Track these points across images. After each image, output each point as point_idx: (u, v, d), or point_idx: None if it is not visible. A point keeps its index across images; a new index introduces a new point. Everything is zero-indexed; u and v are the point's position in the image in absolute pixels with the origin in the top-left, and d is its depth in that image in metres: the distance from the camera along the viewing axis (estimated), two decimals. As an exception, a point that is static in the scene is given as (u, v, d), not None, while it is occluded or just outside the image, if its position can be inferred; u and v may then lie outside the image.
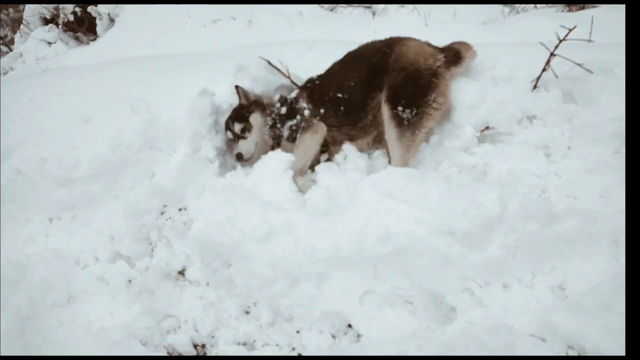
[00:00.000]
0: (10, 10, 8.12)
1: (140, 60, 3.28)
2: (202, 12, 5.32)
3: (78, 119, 2.57)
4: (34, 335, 2.05)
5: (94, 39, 6.28)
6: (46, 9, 6.80)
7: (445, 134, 2.18)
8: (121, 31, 5.51)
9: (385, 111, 2.09)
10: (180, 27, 5.21)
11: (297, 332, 1.91)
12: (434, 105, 2.06)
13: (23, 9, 7.19)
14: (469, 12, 4.66)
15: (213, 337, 2.00)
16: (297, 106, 2.31)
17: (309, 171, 2.27)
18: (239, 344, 1.95)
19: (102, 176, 2.36)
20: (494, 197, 1.71)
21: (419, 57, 2.09)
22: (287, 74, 2.53)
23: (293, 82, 2.52)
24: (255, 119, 2.32)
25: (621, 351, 1.41)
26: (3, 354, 1.93)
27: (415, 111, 2.04)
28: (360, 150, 2.27)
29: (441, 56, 2.11)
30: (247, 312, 2.00)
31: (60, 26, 6.61)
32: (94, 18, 6.31)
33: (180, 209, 2.27)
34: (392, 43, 2.19)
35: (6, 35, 8.01)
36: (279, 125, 2.32)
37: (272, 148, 2.31)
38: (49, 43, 6.38)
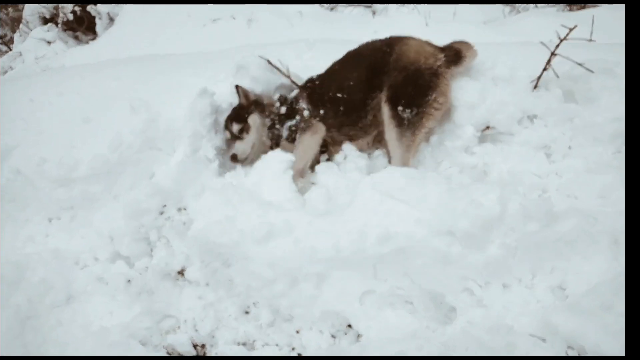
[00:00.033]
0: (10, 9, 8.12)
1: (140, 59, 3.27)
2: (201, 11, 5.31)
3: (78, 119, 2.57)
4: (34, 335, 2.04)
5: (94, 39, 6.27)
6: (45, 8, 6.79)
7: (446, 134, 2.18)
8: (121, 31, 5.50)
9: (386, 111, 2.09)
10: (180, 27, 5.20)
11: (297, 332, 1.90)
12: (435, 105, 2.05)
13: (22, 8, 7.18)
14: (470, 12, 4.65)
15: (213, 337, 1.99)
16: (296, 106, 2.30)
17: (309, 171, 2.27)
18: (238, 344, 1.95)
19: (101, 176, 2.36)
20: (494, 197, 1.71)
21: (420, 57, 2.09)
22: (287, 74, 2.53)
23: (293, 82, 2.52)
24: (254, 120, 2.31)
25: (621, 351, 1.41)
26: (3, 354, 1.93)
27: (415, 111, 2.04)
28: (360, 150, 2.27)
29: (442, 56, 2.10)
30: (246, 312, 2.00)
31: (59, 25, 6.60)
32: (94, 17, 6.30)
33: (179, 209, 2.27)
34: (392, 42, 2.18)
35: (5, 35, 8.01)
36: (277, 126, 2.32)
37: (271, 148, 2.31)
38: (49, 42, 6.38)
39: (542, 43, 2.10)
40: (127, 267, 2.20)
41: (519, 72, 2.16)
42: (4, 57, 6.55)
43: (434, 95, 2.04)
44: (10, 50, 7.01)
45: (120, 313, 2.08)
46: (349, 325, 1.86)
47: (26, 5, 7.00)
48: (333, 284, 1.85)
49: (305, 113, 2.26)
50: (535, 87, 2.13)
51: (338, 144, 2.28)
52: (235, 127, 2.31)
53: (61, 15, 6.56)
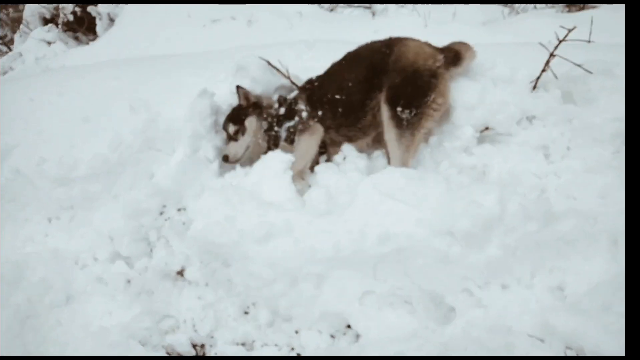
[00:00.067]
0: (10, 10, 8.12)
1: (140, 60, 3.28)
2: (201, 12, 5.32)
3: (78, 119, 2.58)
4: (33, 335, 2.04)
5: (94, 39, 6.27)
6: (46, 9, 6.80)
7: (445, 135, 2.18)
8: (121, 31, 5.51)
9: (385, 112, 2.10)
10: (180, 28, 5.20)
11: (296, 332, 1.91)
12: (434, 105, 2.06)
13: (23, 9, 7.19)
14: (469, 13, 4.65)
15: (212, 337, 1.99)
16: (295, 107, 2.31)
17: (309, 172, 2.27)
18: (238, 344, 1.95)
19: (101, 176, 2.36)
20: (494, 197, 1.71)
21: (419, 58, 2.10)
22: (286, 75, 2.54)
23: (293, 83, 2.52)
24: (251, 122, 2.32)
25: (621, 351, 1.41)
26: (3, 353, 1.93)
27: (414, 112, 2.04)
28: (360, 150, 2.28)
29: (441, 57, 2.11)
30: (246, 313, 2.00)
31: (59, 26, 6.60)
32: (94, 18, 6.31)
33: (179, 209, 2.27)
34: (391, 43, 2.19)
35: (6, 35, 8.01)
36: (276, 128, 2.32)
37: (268, 150, 2.30)
38: (49, 43, 6.38)
39: (541, 44, 2.11)
40: (126, 267, 2.21)
41: (518, 73, 2.17)
42: (4, 58, 6.55)
43: (433, 96, 2.05)
44: (11, 50, 7.01)
45: (119, 313, 2.08)
46: (348, 326, 1.86)
47: (26, 6, 7.00)
48: (333, 284, 1.85)
49: (304, 114, 2.27)
50: (534, 88, 2.14)
51: (337, 144, 2.29)
52: (232, 128, 2.32)
53: (61, 15, 6.57)
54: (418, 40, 2.22)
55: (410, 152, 2.09)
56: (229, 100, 2.50)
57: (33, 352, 1.99)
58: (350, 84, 2.19)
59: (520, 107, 2.11)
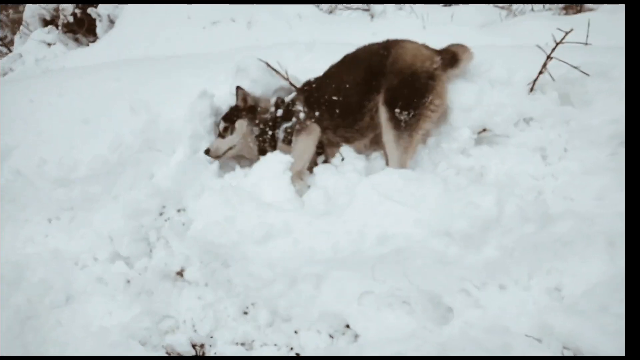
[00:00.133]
0: (10, 11, 8.13)
1: (140, 61, 3.29)
2: (201, 14, 5.33)
3: (78, 120, 2.59)
4: (34, 335, 2.05)
5: (94, 41, 6.28)
6: (46, 10, 6.81)
7: (443, 136, 2.19)
8: (121, 33, 5.52)
9: (383, 113, 2.11)
10: (179, 29, 5.22)
11: (295, 332, 1.91)
12: (431, 107, 2.07)
13: (23, 10, 7.19)
14: (467, 15, 4.67)
15: (212, 337, 2.00)
16: (293, 109, 2.32)
17: (308, 173, 2.28)
18: (237, 344, 1.96)
19: (101, 177, 2.37)
20: (491, 198, 1.72)
21: (416, 60, 2.11)
22: (286, 76, 2.55)
23: (292, 84, 2.54)
24: (241, 124, 2.36)
25: (618, 352, 1.42)
26: (3, 354, 1.93)
27: (412, 113, 2.05)
28: (358, 152, 2.29)
29: (438, 58, 2.12)
30: (245, 313, 2.01)
31: (60, 27, 6.61)
32: (94, 20, 6.31)
33: (179, 210, 2.28)
34: (389, 45, 2.20)
35: (6, 37, 8.02)
36: (270, 132, 2.34)
37: (262, 153, 2.31)
38: (49, 44, 6.38)
39: (538, 46, 2.12)
40: (126, 268, 2.21)
41: (515, 75, 2.18)
42: (4, 59, 6.55)
43: (430, 98, 2.06)
44: (11, 52, 7.01)
45: (119, 313, 2.08)
46: (347, 326, 1.86)
47: (26, 7, 7.01)
48: (332, 284, 1.86)
49: (301, 115, 2.28)
50: (532, 90, 2.15)
51: (335, 145, 2.30)
52: (222, 125, 2.38)
53: (61, 17, 6.57)
54: (415, 43, 2.24)
55: (409, 154, 2.10)
56: (229, 101, 2.52)
57: (33, 352, 1.99)
58: (348, 86, 2.21)
59: (518, 108, 2.12)
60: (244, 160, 2.51)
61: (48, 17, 6.83)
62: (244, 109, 2.39)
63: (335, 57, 2.36)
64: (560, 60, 2.07)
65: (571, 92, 2.11)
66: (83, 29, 6.48)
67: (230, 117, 2.38)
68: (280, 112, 2.35)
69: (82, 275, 2.21)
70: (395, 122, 2.06)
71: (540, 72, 2.12)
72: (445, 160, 2.15)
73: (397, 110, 2.07)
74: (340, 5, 5.51)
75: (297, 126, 2.27)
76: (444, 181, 1.94)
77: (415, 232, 1.76)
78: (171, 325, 2.06)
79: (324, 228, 1.87)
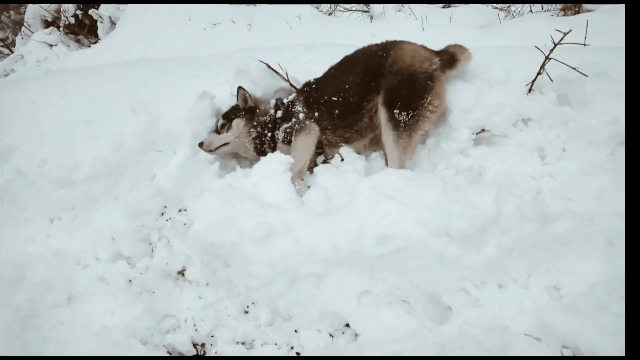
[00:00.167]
0: (12, 12, 8.16)
1: (141, 62, 3.31)
2: (202, 15, 5.36)
3: (79, 121, 2.60)
4: (34, 334, 2.06)
5: (95, 42, 6.30)
6: (47, 12, 6.83)
7: (442, 137, 2.20)
8: (122, 34, 5.54)
9: (382, 114, 2.12)
10: (180, 31, 5.24)
11: (296, 331, 1.92)
12: (430, 107, 2.08)
13: (24, 11, 7.22)
14: (466, 16, 4.69)
15: (212, 336, 2.01)
16: (293, 109, 2.33)
17: (308, 173, 2.29)
18: (238, 343, 1.97)
19: (102, 177, 2.38)
20: (490, 198, 1.73)
21: (415, 61, 2.12)
22: (285, 77, 2.56)
23: (292, 85, 2.55)
24: (238, 124, 2.38)
25: (617, 351, 1.42)
26: (3, 353, 1.94)
27: (411, 114, 2.06)
28: (358, 152, 2.30)
29: (437, 59, 2.13)
30: (246, 312, 2.02)
31: (61, 29, 6.64)
32: (95, 21, 6.34)
33: (180, 210, 2.29)
34: (388, 47, 2.21)
35: (7, 37, 8.04)
36: (269, 134, 2.35)
37: (264, 154, 2.32)
38: (50, 45, 6.41)
39: (537, 47, 2.13)
40: (128, 267, 2.22)
41: (513, 76, 2.19)
42: (6, 60, 6.58)
43: (429, 98, 2.07)
44: (12, 53, 7.04)
45: (121, 312, 2.09)
46: (347, 325, 1.87)
47: (28, 8, 7.04)
48: (331, 283, 1.87)
49: (301, 116, 2.30)
50: (530, 90, 2.16)
51: (334, 146, 2.31)
52: (220, 121, 2.42)
53: (63, 18, 6.60)
54: (414, 44, 2.25)
55: (408, 154, 2.11)
56: (229, 102, 2.53)
57: (34, 351, 2.00)
58: (347, 87, 2.22)
59: (516, 109, 2.13)
60: (245, 160, 2.53)
61: (49, 19, 6.85)
62: (243, 109, 2.41)
63: (335, 58, 2.38)
64: (559, 61, 2.08)
65: (569, 93, 2.12)
66: (84, 30, 6.51)
67: (229, 116, 2.42)
68: (280, 114, 2.37)
69: (83, 274, 2.22)
70: (395, 123, 2.08)
71: (539, 73, 2.13)
72: (444, 160, 2.16)
73: (396, 110, 2.08)
74: (339, 7, 5.54)
75: (297, 126, 2.28)
76: (443, 181, 1.95)
77: (414, 232, 1.77)
78: (172, 324, 2.07)
79: (324, 228, 1.88)
